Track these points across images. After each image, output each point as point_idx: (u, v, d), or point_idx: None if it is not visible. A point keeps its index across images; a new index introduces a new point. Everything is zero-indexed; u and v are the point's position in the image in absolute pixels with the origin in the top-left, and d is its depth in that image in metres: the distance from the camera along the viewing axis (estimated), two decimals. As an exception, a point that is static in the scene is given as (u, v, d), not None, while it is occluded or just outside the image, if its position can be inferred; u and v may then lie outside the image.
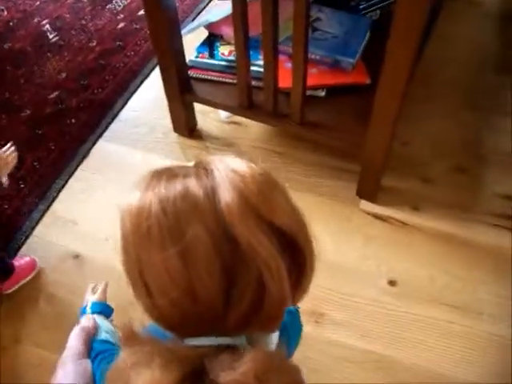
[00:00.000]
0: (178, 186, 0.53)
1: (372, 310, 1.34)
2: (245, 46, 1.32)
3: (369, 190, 1.50)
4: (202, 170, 0.55)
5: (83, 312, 0.92)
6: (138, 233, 0.53)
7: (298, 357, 1.21)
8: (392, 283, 1.38)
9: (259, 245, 0.51)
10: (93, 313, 0.91)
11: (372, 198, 1.52)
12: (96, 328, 0.86)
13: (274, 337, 0.67)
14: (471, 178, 1.59)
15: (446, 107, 1.77)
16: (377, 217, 1.50)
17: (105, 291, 0.99)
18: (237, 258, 0.51)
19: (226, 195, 0.52)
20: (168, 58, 1.45)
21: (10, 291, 1.39)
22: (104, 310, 0.93)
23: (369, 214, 1.51)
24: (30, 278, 1.41)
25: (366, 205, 1.52)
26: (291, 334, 0.82)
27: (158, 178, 0.55)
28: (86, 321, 0.88)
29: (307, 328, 1.29)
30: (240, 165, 0.56)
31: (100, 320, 0.89)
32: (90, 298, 0.95)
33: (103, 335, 0.85)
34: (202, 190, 0.53)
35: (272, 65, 1.31)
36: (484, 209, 1.52)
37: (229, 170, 0.54)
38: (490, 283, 1.38)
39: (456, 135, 1.69)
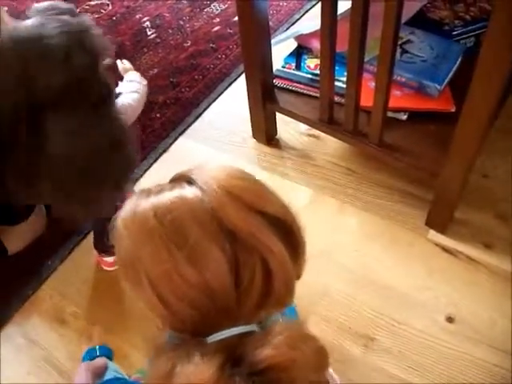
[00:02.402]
0: (168, 197, 0.57)
1: (424, 343, 1.30)
2: (330, 60, 1.33)
3: (439, 221, 1.46)
4: (183, 181, 0.59)
5: (88, 358, 0.95)
6: (144, 252, 0.56)
7: (340, 377, 1.21)
8: (450, 320, 1.33)
9: (258, 232, 0.55)
10: (101, 356, 0.95)
11: (442, 229, 1.47)
12: (105, 367, 0.91)
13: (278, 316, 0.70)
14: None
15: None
16: (444, 249, 1.46)
17: (100, 336, 1.05)
18: (240, 249, 0.55)
19: (215, 195, 0.56)
20: (255, 65, 1.49)
21: None
22: (109, 352, 0.98)
23: (436, 245, 1.47)
24: None
25: (434, 235, 1.48)
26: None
27: (144, 195, 0.59)
28: (95, 362, 0.92)
29: (355, 350, 1.29)
30: (218, 168, 0.60)
31: (108, 362, 0.93)
32: (94, 343, 1.00)
33: (113, 373, 0.89)
34: (192, 195, 0.56)
35: (355, 82, 1.31)
36: (562, 256, 1.45)
37: (209, 175, 0.58)
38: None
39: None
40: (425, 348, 1.29)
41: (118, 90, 1.28)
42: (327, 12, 1.23)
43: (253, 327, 0.57)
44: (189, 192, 0.57)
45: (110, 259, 1.44)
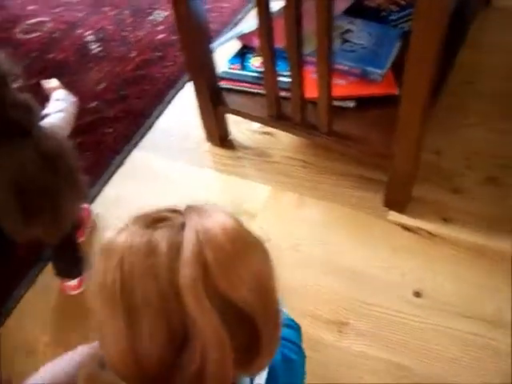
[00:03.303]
0: (142, 241, 0.53)
1: (396, 320, 1.33)
2: (271, 57, 1.35)
3: (397, 201, 1.50)
4: (176, 223, 0.54)
5: None
6: (96, 288, 0.53)
7: (315, 365, 1.24)
8: (417, 294, 1.37)
9: (206, 320, 0.50)
10: None
11: (400, 209, 1.51)
12: None
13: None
14: (503, 188, 1.56)
15: (482, 116, 1.74)
16: (405, 227, 1.50)
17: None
18: (184, 327, 0.50)
19: (187, 261, 0.51)
20: (198, 69, 1.50)
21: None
22: None
23: (397, 224, 1.50)
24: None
25: (394, 215, 1.52)
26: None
27: (133, 224, 0.55)
28: None
29: (329, 337, 1.31)
30: (215, 224, 0.54)
31: None
32: None
33: None
34: (167, 247, 0.52)
35: (297, 76, 1.33)
36: (515, 221, 1.50)
37: (201, 230, 0.53)
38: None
39: (490, 145, 1.66)
40: (397, 325, 1.33)
41: (45, 110, 1.26)
42: (262, 10, 1.25)
43: None
44: (167, 241, 0.52)
45: (72, 282, 1.44)
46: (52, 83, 1.34)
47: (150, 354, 0.50)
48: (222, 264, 0.52)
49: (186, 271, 0.50)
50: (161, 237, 0.53)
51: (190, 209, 0.57)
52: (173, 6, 1.38)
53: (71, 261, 1.44)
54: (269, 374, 0.69)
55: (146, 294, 0.50)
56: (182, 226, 0.54)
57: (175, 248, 0.52)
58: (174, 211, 0.57)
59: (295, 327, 0.88)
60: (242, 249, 0.55)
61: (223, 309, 0.51)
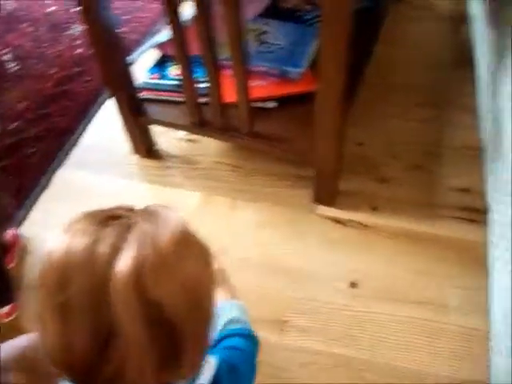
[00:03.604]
0: (89, 235, 0.55)
1: (336, 313, 1.35)
2: (187, 64, 1.35)
3: (325, 195, 1.53)
4: (125, 224, 0.56)
5: None
6: (38, 282, 0.55)
7: (265, 367, 1.24)
8: (353, 285, 1.40)
9: (130, 321, 0.52)
10: None
11: (329, 203, 1.54)
12: None
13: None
14: (427, 174, 1.62)
15: (400, 106, 1.81)
16: (336, 220, 1.53)
17: None
18: (110, 323, 0.52)
19: (123, 264, 0.52)
20: (116, 82, 1.48)
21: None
22: None
23: (327, 218, 1.53)
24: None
25: (323, 210, 1.55)
26: (239, 378, 0.79)
27: (84, 219, 0.57)
28: None
29: (272, 337, 1.32)
30: (162, 228, 0.56)
31: None
32: None
33: None
34: (109, 245, 0.54)
35: (214, 81, 1.34)
36: (442, 203, 1.55)
37: (145, 233, 0.55)
38: (455, 276, 1.40)
39: (410, 133, 1.73)
40: (336, 317, 1.35)
41: None
42: (173, 19, 1.25)
43: None
44: (105, 248, 0.53)
45: (4, 309, 1.39)
46: None
47: (77, 347, 0.52)
48: (157, 268, 0.53)
49: (121, 270, 0.52)
50: (107, 235, 0.54)
51: (144, 210, 0.59)
52: (84, 20, 1.35)
53: (0, 288, 1.40)
54: (213, 381, 0.70)
55: (79, 288, 0.52)
56: (131, 226, 0.55)
57: (117, 247, 0.53)
58: (130, 210, 0.59)
59: (249, 337, 0.88)
60: (181, 254, 0.57)
61: (149, 311, 0.52)
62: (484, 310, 1.33)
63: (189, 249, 0.59)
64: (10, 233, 1.53)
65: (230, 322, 0.88)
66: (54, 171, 1.73)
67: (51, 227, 1.55)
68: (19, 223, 1.59)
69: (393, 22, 1.96)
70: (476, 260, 1.42)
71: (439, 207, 1.54)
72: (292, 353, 1.30)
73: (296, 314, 1.36)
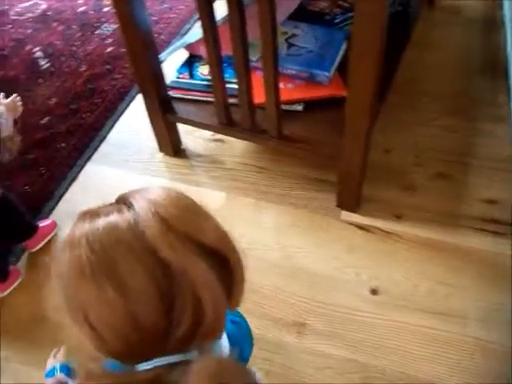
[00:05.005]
0: (101, 223, 0.56)
1: (355, 318, 1.35)
2: (218, 64, 1.36)
3: (349, 201, 1.52)
4: (122, 205, 0.58)
5: (50, 375, 0.98)
6: (74, 275, 0.56)
7: (280, 368, 1.24)
8: (374, 292, 1.39)
9: (189, 263, 0.54)
10: (61, 373, 0.97)
11: (353, 208, 1.54)
12: (66, 383, 0.93)
13: (224, 341, 0.71)
14: (454, 184, 1.61)
15: (429, 114, 1.79)
16: (358, 227, 1.52)
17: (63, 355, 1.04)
18: (171, 279, 0.54)
19: (149, 223, 0.55)
20: (147, 80, 1.49)
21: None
22: (68, 370, 0.98)
23: (350, 224, 1.53)
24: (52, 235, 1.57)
25: (346, 215, 1.54)
26: (242, 342, 0.86)
27: (82, 220, 0.58)
28: (56, 377, 0.95)
29: (289, 339, 1.32)
30: (157, 193, 0.59)
31: (68, 379, 0.95)
32: (57, 362, 1.01)
33: None
34: (125, 223, 0.56)
35: (244, 82, 1.34)
36: (467, 214, 1.53)
37: (147, 200, 0.57)
38: (475, 288, 1.38)
39: (439, 141, 1.71)
40: (355, 323, 1.34)
41: None
42: (206, 19, 1.26)
43: (187, 356, 0.58)
44: (124, 219, 0.56)
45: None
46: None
47: (146, 313, 0.54)
48: (181, 215, 0.57)
49: (151, 230, 0.54)
50: (115, 217, 0.56)
51: (131, 192, 0.61)
52: (118, 19, 1.37)
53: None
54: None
55: (123, 261, 0.53)
56: (130, 205, 0.57)
57: (132, 220, 0.55)
58: (117, 201, 0.61)
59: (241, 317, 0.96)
60: (190, 203, 0.61)
61: (198, 251, 0.55)
62: (506, 326, 1.31)
63: (192, 201, 0.62)
64: (48, 221, 1.58)
65: None
66: (82, 165, 1.76)
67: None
68: (48, 213, 1.62)
69: (424, 27, 1.94)
70: (500, 274, 1.40)
71: (464, 218, 1.52)
72: (308, 356, 1.30)
73: (314, 317, 1.36)
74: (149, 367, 0.56)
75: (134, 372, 0.56)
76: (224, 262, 0.59)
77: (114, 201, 0.62)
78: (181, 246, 0.54)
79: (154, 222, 0.55)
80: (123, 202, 0.59)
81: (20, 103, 1.32)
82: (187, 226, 0.56)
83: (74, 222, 0.59)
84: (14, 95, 1.32)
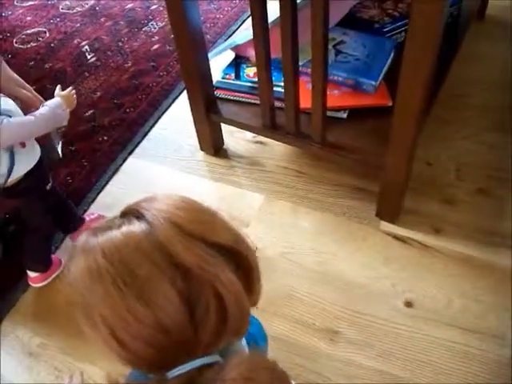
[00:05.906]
0: (116, 235, 0.57)
1: (387, 330, 1.34)
2: (266, 67, 1.36)
3: (389, 211, 1.51)
4: (131, 216, 0.59)
5: None
6: (95, 293, 0.56)
7: (310, 374, 1.24)
8: (408, 304, 1.38)
9: (207, 264, 0.55)
10: None
11: (392, 219, 1.52)
12: None
13: (243, 342, 0.73)
14: (495, 200, 1.58)
15: (473, 128, 1.76)
16: (396, 238, 1.51)
17: (82, 378, 1.05)
18: (191, 281, 0.55)
19: (163, 230, 0.56)
20: (194, 79, 1.51)
21: None
22: None
23: (388, 234, 1.51)
24: None
25: (385, 225, 1.53)
26: (257, 339, 0.89)
27: (93, 235, 0.59)
28: None
29: (321, 345, 1.32)
30: (164, 201, 0.60)
31: None
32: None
33: None
34: (139, 231, 0.56)
35: (292, 86, 1.35)
36: (507, 232, 1.50)
37: (156, 209, 0.58)
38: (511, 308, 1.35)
39: (481, 157, 1.68)
40: (388, 335, 1.33)
41: None
42: (258, 21, 1.27)
43: (213, 358, 0.59)
44: (136, 228, 0.57)
45: (32, 274, 1.46)
46: (56, 90, 1.33)
47: (171, 318, 0.54)
48: (193, 218, 0.58)
49: (167, 236, 0.55)
50: (128, 228, 0.57)
51: (136, 203, 0.61)
52: (169, 15, 1.39)
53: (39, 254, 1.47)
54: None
55: (143, 271, 0.54)
56: (140, 215, 0.58)
57: (146, 229, 0.56)
58: (124, 214, 0.61)
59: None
60: (198, 206, 0.62)
61: (214, 251, 0.56)
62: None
63: (202, 206, 0.63)
64: (95, 215, 1.61)
65: None
66: (123, 159, 1.78)
67: (115, 212, 1.60)
68: (89, 204, 1.65)
69: (472, 40, 1.92)
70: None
71: (504, 236, 1.49)
72: (339, 364, 1.29)
73: (348, 325, 1.35)
74: (178, 373, 0.57)
75: (165, 379, 0.57)
76: (241, 260, 0.60)
77: (119, 214, 0.62)
78: (195, 248, 0.55)
79: (168, 228, 0.56)
80: (131, 213, 0.59)
81: (75, 96, 1.34)
82: (201, 228, 0.57)
83: (84, 238, 0.59)
84: (70, 88, 1.34)
